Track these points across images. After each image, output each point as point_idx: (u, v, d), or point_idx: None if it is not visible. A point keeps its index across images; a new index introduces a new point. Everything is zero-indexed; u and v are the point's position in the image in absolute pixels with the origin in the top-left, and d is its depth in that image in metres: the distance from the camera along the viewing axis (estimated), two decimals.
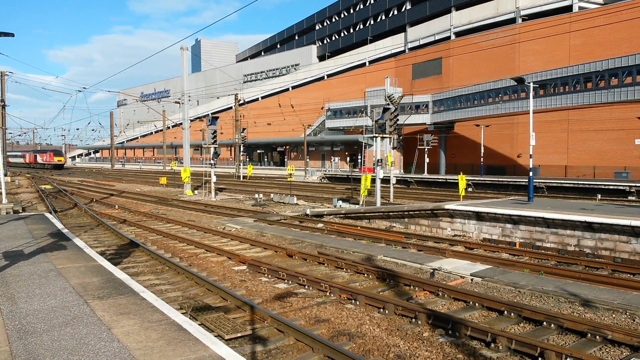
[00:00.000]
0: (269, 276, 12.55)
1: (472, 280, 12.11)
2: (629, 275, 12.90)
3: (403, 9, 72.01)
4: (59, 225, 17.45)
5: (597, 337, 8.24)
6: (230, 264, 14.12)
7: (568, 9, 50.49)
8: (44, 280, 9.43)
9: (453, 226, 19.03)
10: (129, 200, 33.49)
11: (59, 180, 56.74)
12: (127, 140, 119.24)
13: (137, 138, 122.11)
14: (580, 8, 49.90)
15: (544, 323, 8.94)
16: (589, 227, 15.08)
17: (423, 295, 10.98)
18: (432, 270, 12.93)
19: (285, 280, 12.08)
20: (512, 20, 55.32)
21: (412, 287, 11.44)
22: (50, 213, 23.08)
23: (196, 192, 37.47)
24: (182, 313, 8.71)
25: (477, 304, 10.14)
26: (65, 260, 11.38)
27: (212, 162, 33.49)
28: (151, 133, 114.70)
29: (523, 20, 54.16)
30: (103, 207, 29.10)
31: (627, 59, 35.72)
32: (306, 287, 11.49)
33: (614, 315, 9.49)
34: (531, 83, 23.24)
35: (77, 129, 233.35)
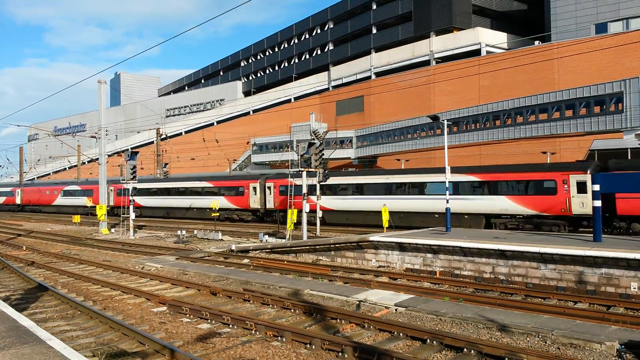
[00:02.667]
0: (191, 316, 12.01)
1: (396, 310, 12.30)
2: (540, 299, 13.71)
3: (326, 49, 74.55)
4: None
5: None
6: (149, 305, 13.37)
7: (477, 52, 54.67)
8: None
9: (378, 257, 19.38)
10: (39, 241, 31.04)
11: None
12: (38, 177, 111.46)
13: (49, 174, 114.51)
14: (488, 52, 54.22)
15: (465, 349, 9.22)
16: (502, 254, 15.96)
17: (350, 328, 10.98)
18: (358, 302, 13.00)
19: (209, 320, 11.61)
20: (426, 62, 58.91)
21: (338, 320, 11.42)
22: None
23: (113, 230, 35.51)
24: None
25: (401, 334, 10.29)
26: None
27: (131, 198, 32.05)
28: (64, 169, 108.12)
29: (437, 62, 57.86)
30: (9, 249, 26.73)
31: (530, 99, 39.12)
32: (231, 326, 11.11)
33: (528, 339, 9.98)
34: (445, 121, 24.68)
35: None
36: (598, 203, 17.20)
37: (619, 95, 33.10)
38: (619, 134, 34.04)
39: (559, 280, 14.88)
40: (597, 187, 17.36)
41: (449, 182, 23.68)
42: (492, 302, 12.87)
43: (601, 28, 47.76)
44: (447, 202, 22.75)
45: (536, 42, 49.32)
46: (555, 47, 46.96)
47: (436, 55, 58.30)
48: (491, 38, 56.15)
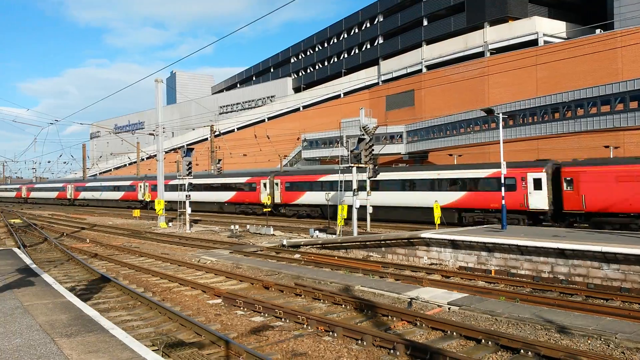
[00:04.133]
0: (245, 309, 12.30)
1: (449, 309, 12.09)
2: (602, 300, 13.09)
3: (376, 43, 73.88)
4: (28, 261, 16.86)
5: None
6: (204, 297, 13.80)
7: (534, 42, 52.55)
8: (10, 318, 9.03)
9: (429, 255, 19.10)
10: (101, 234, 32.68)
11: (28, 214, 55.15)
12: (100, 173, 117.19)
13: (110, 170, 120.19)
14: (546, 42, 52.01)
15: (522, 351, 8.95)
16: (561, 253, 15.32)
17: (401, 325, 10.90)
18: (409, 300, 12.88)
19: (262, 313, 11.85)
20: (480, 54, 57.20)
21: (390, 317, 11.36)
22: (19, 248, 22.30)
23: (170, 224, 36.84)
24: (154, 350, 8.42)
25: (454, 333, 10.11)
26: (32, 296, 10.95)
27: (187, 193, 33.10)
28: (124, 165, 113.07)
29: (491, 54, 56.06)
30: (74, 241, 28.30)
31: (592, 90, 37.18)
32: (283, 319, 11.29)
33: (589, 341, 9.57)
34: (500, 114, 23.89)
35: (49, 162, 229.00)
36: None
37: None
38: None
39: (622, 281, 14.13)
40: None
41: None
42: (551, 303, 12.39)
43: None
44: (503, 198, 22.09)
45: (597, 31, 46.78)
46: (619, 35, 44.32)
47: (490, 46, 56.49)
48: (549, 27, 53.75)
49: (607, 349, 9.24)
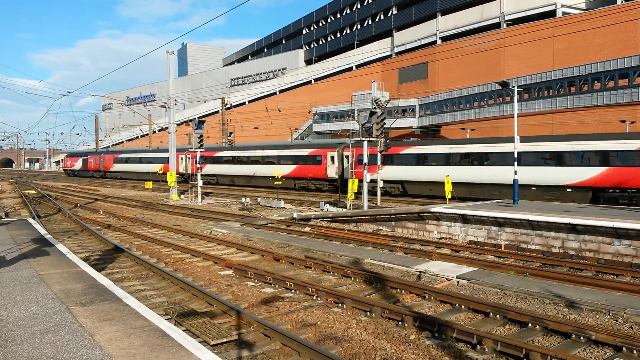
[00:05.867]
0: (256, 280, 12.48)
1: (458, 282, 12.16)
2: (612, 276, 13.06)
3: (389, 14, 72.46)
4: (42, 231, 17.19)
5: (582, 337, 8.32)
6: (216, 268, 14.02)
7: (552, 14, 51.16)
8: (26, 287, 9.27)
9: (439, 229, 19.11)
10: (114, 205, 33.14)
11: (42, 185, 55.97)
12: (113, 145, 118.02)
13: (122, 142, 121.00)
14: (564, 13, 50.59)
15: (529, 324, 9.00)
16: (573, 229, 15.24)
17: (410, 298, 11.00)
18: (418, 273, 12.96)
19: (272, 285, 12.02)
20: (497, 25, 55.89)
21: (398, 290, 11.46)
22: (34, 218, 22.73)
23: (182, 196, 37.20)
24: (167, 319, 8.60)
25: (463, 306, 10.18)
26: (47, 266, 11.20)
27: (198, 166, 33.29)
28: (137, 137, 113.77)
29: (508, 25, 54.75)
30: (87, 212, 28.75)
31: (610, 63, 36.32)
32: (293, 291, 11.44)
33: (597, 316, 9.59)
34: (515, 87, 23.47)
35: (62, 134, 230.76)
36: None
37: None
38: None
39: (634, 257, 14.05)
40: None
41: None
42: (561, 278, 12.39)
43: None
44: (515, 173, 21.90)
45: (618, 1, 45.37)
46: None
47: (507, 18, 55.10)
48: None
49: (615, 323, 9.26)
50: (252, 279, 12.57)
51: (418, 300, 10.85)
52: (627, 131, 30.31)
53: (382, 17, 74.15)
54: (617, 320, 9.36)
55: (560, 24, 47.26)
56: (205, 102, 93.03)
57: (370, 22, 76.56)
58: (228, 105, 57.62)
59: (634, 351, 7.74)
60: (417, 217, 19.84)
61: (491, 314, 9.63)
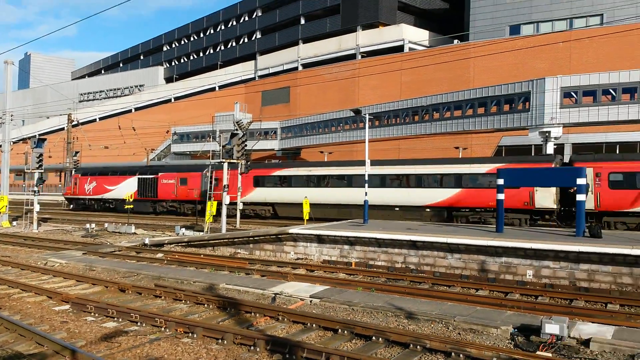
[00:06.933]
0: (97, 315, 11.42)
1: (311, 301, 12.45)
2: (445, 287, 14.46)
3: (253, 37, 73.56)
4: None
5: (418, 347, 9.00)
6: (50, 303, 12.55)
7: (400, 48, 56.35)
8: None
9: (296, 249, 19.50)
10: None
11: None
12: None
13: None
14: (410, 49, 56.06)
15: (373, 338, 9.52)
16: (413, 245, 16.64)
17: (264, 321, 10.95)
18: (273, 295, 13.01)
19: (115, 318, 11.10)
20: (353, 56, 59.88)
21: (253, 313, 11.35)
22: None
23: (15, 223, 32.96)
24: None
25: (314, 325, 10.42)
26: None
27: (35, 189, 29.89)
28: None
29: (362, 56, 58.98)
30: None
31: (447, 96, 40.90)
32: (139, 323, 10.68)
33: (432, 325, 10.48)
34: (367, 115, 25.22)
35: None
36: (501, 196, 18.39)
37: (527, 94, 35.45)
38: (525, 131, 36.53)
39: (463, 269, 15.77)
40: (501, 182, 18.53)
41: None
42: (402, 291, 13.38)
43: (515, 30, 50.78)
44: (366, 194, 23.32)
45: (455, 41, 51.58)
46: (472, 46, 49.37)
47: (362, 50, 59.37)
48: (414, 35, 58.00)
49: (446, 331, 10.21)
50: (92, 314, 11.48)
51: (272, 322, 10.85)
52: (460, 156, 34.17)
53: (246, 39, 74.96)
54: (448, 328, 10.33)
55: (407, 58, 52.20)
56: (48, 117, 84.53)
57: (234, 43, 76.89)
58: (75, 122, 52.96)
59: (461, 355, 8.58)
60: (276, 239, 20.03)
61: (339, 330, 10.00)
